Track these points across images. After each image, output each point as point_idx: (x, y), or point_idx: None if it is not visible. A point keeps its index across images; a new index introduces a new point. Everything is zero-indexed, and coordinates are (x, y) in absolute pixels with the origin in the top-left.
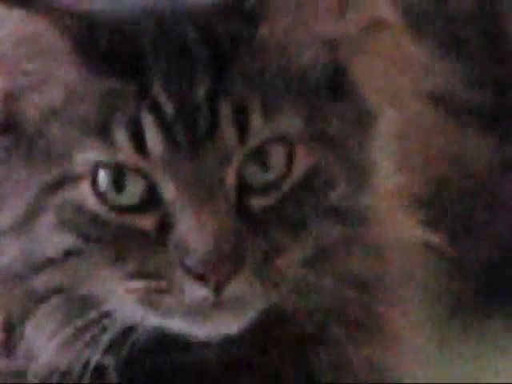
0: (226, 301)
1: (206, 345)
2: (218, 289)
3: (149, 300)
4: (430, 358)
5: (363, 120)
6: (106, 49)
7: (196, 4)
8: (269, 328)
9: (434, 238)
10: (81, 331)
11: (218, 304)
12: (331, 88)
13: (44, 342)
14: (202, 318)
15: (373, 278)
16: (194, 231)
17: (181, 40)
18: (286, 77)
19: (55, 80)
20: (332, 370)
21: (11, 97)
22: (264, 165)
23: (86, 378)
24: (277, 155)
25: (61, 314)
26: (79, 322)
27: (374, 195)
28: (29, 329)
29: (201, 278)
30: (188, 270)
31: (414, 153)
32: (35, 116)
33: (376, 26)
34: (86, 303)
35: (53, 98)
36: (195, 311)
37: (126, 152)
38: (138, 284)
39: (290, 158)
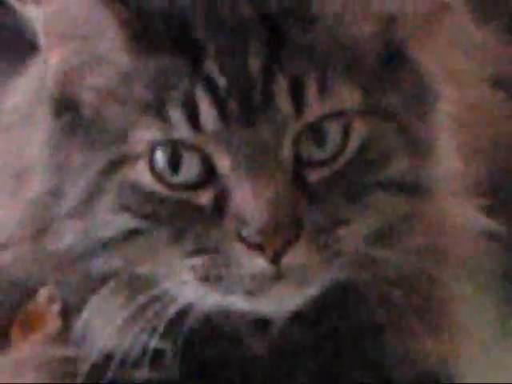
0: (285, 271)
1: (257, 337)
2: (275, 258)
3: (208, 276)
4: (489, 346)
5: (424, 95)
6: (156, 26)
7: None
8: (328, 316)
9: (493, 226)
10: (139, 313)
11: (277, 275)
12: (389, 61)
13: (101, 326)
14: (262, 290)
15: (437, 255)
16: (249, 201)
17: (234, 14)
18: (341, 50)
19: (107, 61)
20: (395, 360)
21: (67, 78)
22: (320, 140)
23: (145, 363)
24: (333, 131)
25: (118, 297)
26: (137, 303)
27: (435, 169)
28: (85, 315)
29: (258, 248)
30: (245, 241)
31: (478, 139)
32: (92, 98)
33: (440, 8)
34: (144, 284)
35: (108, 79)
36: (255, 284)
37: (180, 129)
38: (197, 260)
39: (346, 132)
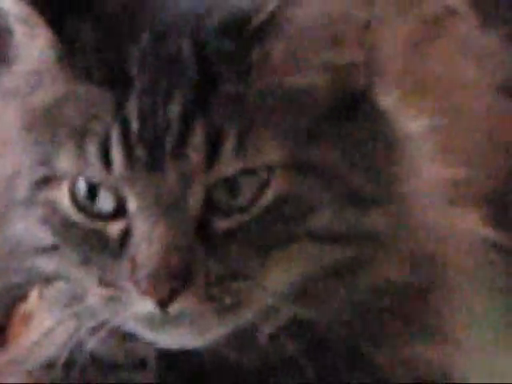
0: (174, 317)
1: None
2: (162, 305)
3: (108, 307)
4: (489, 356)
5: (383, 142)
6: (91, 57)
7: (195, 22)
8: (312, 328)
9: (496, 234)
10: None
11: (166, 319)
12: (341, 110)
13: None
14: (155, 329)
15: (421, 281)
16: (144, 245)
17: (173, 54)
18: (276, 102)
19: (47, 82)
20: (384, 369)
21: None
22: (232, 191)
23: (127, 366)
24: (248, 185)
25: (64, 299)
26: (67, 312)
27: (401, 200)
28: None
29: (146, 293)
30: (136, 283)
31: (482, 147)
32: (30, 110)
33: (445, 14)
34: (74, 295)
35: (41, 99)
36: (146, 323)
37: (94, 167)
38: (99, 291)
39: (262, 185)
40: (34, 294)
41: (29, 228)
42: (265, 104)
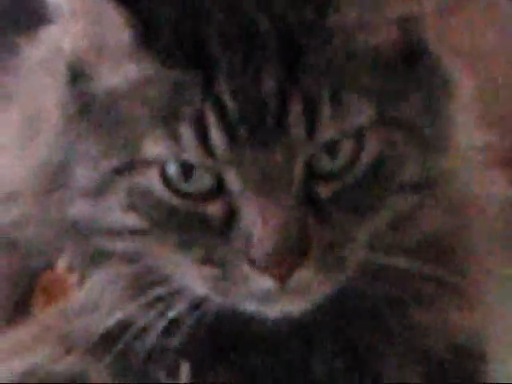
0: (290, 290)
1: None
2: (282, 280)
3: (215, 286)
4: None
5: (441, 89)
6: (169, 39)
7: None
8: (346, 294)
9: None
10: (147, 305)
11: (283, 292)
12: (407, 62)
13: (106, 309)
14: (267, 303)
15: (454, 238)
16: (258, 225)
17: (250, 29)
18: (357, 63)
19: (121, 63)
20: (423, 333)
21: (84, 54)
22: (332, 154)
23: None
24: (346, 146)
25: (125, 281)
26: (146, 298)
27: (453, 156)
28: (87, 287)
29: (265, 270)
30: (252, 262)
31: (503, 112)
32: (105, 92)
33: None
34: (151, 277)
35: (121, 80)
36: (260, 298)
37: (191, 150)
38: (205, 271)
39: (359, 145)
40: (61, 266)
41: (100, 214)
42: (349, 67)
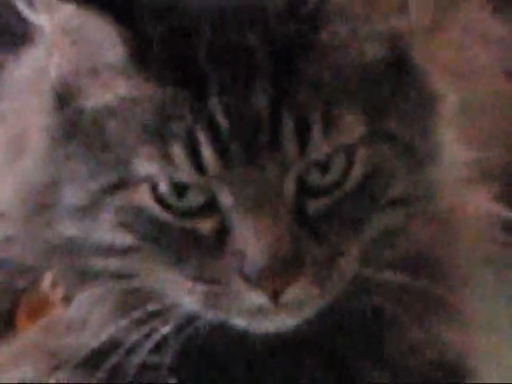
0: (283, 305)
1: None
2: (274, 296)
3: (208, 302)
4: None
5: (427, 104)
6: (161, 56)
7: (254, 7)
8: (332, 311)
9: (507, 213)
10: (137, 323)
11: (276, 308)
12: (394, 76)
13: (94, 327)
14: (260, 319)
15: (440, 252)
16: (251, 240)
17: (239, 45)
18: (348, 78)
19: (110, 81)
20: (401, 350)
21: (69, 78)
22: (324, 169)
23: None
24: (337, 162)
25: (115, 299)
26: (136, 314)
27: (439, 170)
28: (76, 304)
29: (258, 286)
30: (245, 278)
31: (489, 128)
32: (93, 111)
33: (456, 1)
34: (142, 294)
35: (110, 98)
36: (253, 314)
37: (183, 169)
38: (198, 288)
39: (350, 160)
40: (46, 283)
41: (89, 233)
42: (340, 83)
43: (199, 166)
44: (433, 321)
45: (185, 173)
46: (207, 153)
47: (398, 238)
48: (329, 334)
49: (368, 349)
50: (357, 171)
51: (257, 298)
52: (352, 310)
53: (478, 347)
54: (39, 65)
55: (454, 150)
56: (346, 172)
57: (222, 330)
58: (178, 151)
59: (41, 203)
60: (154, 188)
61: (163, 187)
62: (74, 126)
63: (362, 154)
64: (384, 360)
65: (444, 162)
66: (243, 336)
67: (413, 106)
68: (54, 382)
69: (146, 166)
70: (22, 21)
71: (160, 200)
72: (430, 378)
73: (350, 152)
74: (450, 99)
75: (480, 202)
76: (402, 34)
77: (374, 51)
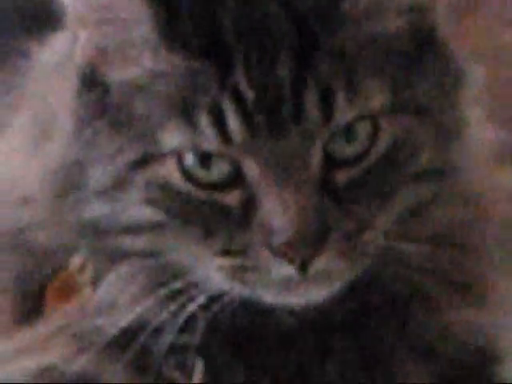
0: (312, 276)
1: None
2: (303, 267)
3: (236, 276)
4: None
5: (452, 78)
6: (187, 29)
7: None
8: (362, 291)
9: None
10: (166, 300)
11: (304, 279)
12: (418, 49)
13: (126, 304)
14: (288, 291)
15: (466, 232)
16: (278, 211)
17: (263, 18)
18: (370, 49)
19: (136, 55)
20: (430, 332)
21: (96, 58)
22: (349, 139)
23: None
24: (362, 131)
25: (143, 278)
26: (164, 291)
27: (465, 146)
28: (105, 285)
29: (286, 257)
30: (273, 250)
31: None
32: (120, 88)
33: None
34: (170, 271)
35: (136, 73)
36: (282, 286)
37: (209, 139)
38: (225, 261)
39: (375, 130)
40: (74, 264)
41: (117, 211)
42: (363, 52)
43: (225, 136)
44: (462, 304)
45: (211, 142)
46: (233, 122)
47: (425, 214)
48: (358, 316)
49: (397, 331)
50: (382, 142)
51: (284, 270)
52: (381, 291)
53: (504, 330)
54: (65, 49)
55: (480, 128)
56: (371, 142)
57: (249, 309)
58: (204, 121)
59: (68, 185)
60: (180, 161)
61: (189, 160)
62: (101, 104)
63: (387, 123)
64: (410, 344)
65: (470, 139)
66: (270, 315)
67: (438, 79)
68: (78, 365)
69: (172, 138)
70: (47, 5)
71: (186, 173)
72: (461, 362)
73: (374, 121)
74: (475, 76)
75: (503, 181)
76: (425, 9)
77: (397, 23)
